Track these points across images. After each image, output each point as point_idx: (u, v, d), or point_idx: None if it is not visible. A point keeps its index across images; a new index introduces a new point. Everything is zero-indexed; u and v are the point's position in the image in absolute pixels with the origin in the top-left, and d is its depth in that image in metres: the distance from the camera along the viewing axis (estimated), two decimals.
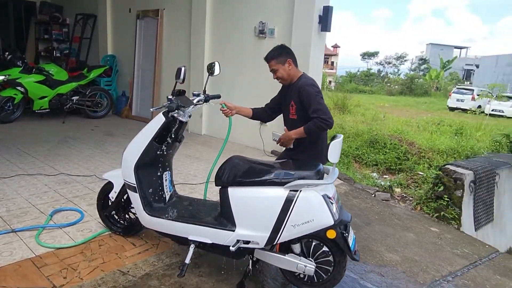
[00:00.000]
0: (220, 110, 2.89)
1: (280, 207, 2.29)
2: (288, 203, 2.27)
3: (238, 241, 2.40)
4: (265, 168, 2.46)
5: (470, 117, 12.53)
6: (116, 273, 2.59)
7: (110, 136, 6.29)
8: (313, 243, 2.46)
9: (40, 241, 2.80)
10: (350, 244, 2.37)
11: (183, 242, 2.62)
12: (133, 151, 2.67)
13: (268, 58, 2.80)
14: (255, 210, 2.39)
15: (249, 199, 2.39)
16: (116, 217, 3.05)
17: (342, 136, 2.40)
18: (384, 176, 5.90)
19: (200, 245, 2.54)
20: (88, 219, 3.24)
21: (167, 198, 2.82)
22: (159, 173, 2.77)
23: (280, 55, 2.75)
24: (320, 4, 5.05)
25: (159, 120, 2.60)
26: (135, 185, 2.65)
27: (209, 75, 2.90)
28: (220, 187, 2.52)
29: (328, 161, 2.32)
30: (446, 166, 4.63)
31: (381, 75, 40.52)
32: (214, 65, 2.90)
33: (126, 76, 8.19)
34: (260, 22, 5.72)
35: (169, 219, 2.62)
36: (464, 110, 18.63)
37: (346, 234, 2.37)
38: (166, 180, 2.82)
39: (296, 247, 2.44)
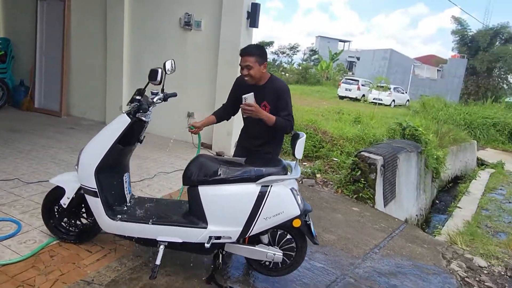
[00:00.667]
0: (189, 131, 2.88)
1: (253, 202, 2.45)
2: (260, 197, 2.45)
3: (210, 237, 2.50)
4: (234, 166, 2.58)
5: (361, 105, 14.14)
6: (80, 283, 2.46)
7: (17, 132, 5.57)
8: (279, 232, 2.68)
9: None
10: (312, 231, 2.66)
11: (151, 243, 2.61)
12: (93, 154, 2.53)
13: (247, 54, 2.69)
14: (228, 206, 2.51)
15: (222, 196, 2.50)
16: (65, 224, 2.84)
17: (305, 134, 2.67)
18: (304, 163, 6.43)
19: (169, 245, 2.57)
20: (28, 229, 2.94)
21: (127, 200, 2.75)
22: (119, 176, 2.68)
23: (261, 56, 2.72)
24: (248, 0, 5.21)
25: (123, 121, 2.51)
26: (96, 190, 2.53)
27: (164, 73, 2.87)
28: (188, 186, 2.57)
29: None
30: (361, 153, 5.28)
31: (276, 64, 42.41)
32: (165, 62, 2.90)
33: (24, 64, 7.24)
34: (186, 13, 5.64)
35: (135, 222, 2.58)
36: (352, 99, 20.91)
37: (309, 222, 2.65)
38: (126, 182, 2.74)
39: (265, 238, 2.64)
